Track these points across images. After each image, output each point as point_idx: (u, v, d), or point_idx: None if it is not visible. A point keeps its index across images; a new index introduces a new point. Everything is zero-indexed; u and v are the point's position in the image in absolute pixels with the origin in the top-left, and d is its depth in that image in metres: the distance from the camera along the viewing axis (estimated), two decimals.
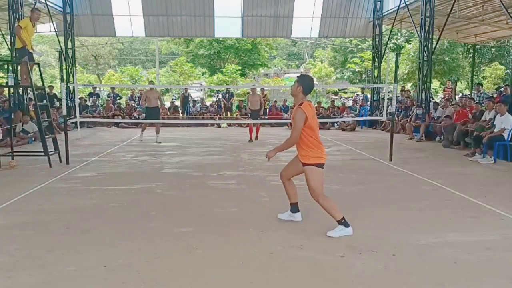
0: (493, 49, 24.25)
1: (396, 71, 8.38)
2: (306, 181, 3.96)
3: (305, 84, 3.87)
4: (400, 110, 14.02)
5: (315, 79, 29.49)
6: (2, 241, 3.64)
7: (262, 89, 19.29)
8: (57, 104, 14.29)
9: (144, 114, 12.41)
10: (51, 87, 16.31)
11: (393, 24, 16.12)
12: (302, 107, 3.76)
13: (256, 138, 11.25)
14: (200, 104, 17.89)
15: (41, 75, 8.26)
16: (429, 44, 12.89)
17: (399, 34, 26.08)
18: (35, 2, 12.83)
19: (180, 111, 17.07)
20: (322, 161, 3.92)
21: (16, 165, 7.04)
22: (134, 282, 2.88)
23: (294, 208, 4.30)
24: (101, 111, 16.35)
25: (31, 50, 7.76)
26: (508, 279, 2.96)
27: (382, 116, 12.61)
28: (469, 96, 15.60)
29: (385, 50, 16.92)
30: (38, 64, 8.26)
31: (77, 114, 10.72)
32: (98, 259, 3.24)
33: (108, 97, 17.60)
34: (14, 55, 8.47)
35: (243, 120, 15.87)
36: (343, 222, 3.85)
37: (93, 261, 3.20)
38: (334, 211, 3.86)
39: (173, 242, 3.64)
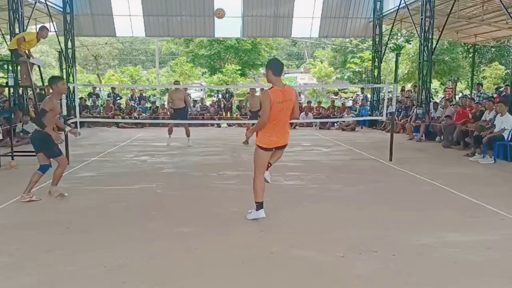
0: (493, 49, 24.23)
1: (396, 71, 8.40)
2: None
3: (271, 65, 4.04)
4: (400, 110, 14.03)
5: (315, 79, 29.57)
6: (2, 241, 3.64)
7: (262, 89, 19.29)
8: None
9: (144, 115, 12.33)
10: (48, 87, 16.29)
11: (393, 24, 16.11)
12: (269, 91, 3.99)
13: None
14: (200, 104, 17.89)
15: (41, 75, 8.28)
16: (429, 44, 12.89)
17: (399, 34, 26.08)
18: (35, 2, 12.84)
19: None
20: (265, 146, 4.10)
21: (16, 165, 7.03)
22: (134, 282, 2.88)
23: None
24: (101, 111, 16.35)
25: (30, 56, 7.76)
26: (508, 279, 2.96)
27: (382, 116, 12.62)
28: (469, 96, 15.59)
29: (385, 50, 16.91)
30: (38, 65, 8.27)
31: (77, 114, 10.72)
32: (98, 259, 3.24)
33: (108, 97, 17.60)
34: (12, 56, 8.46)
35: (243, 120, 15.89)
36: (258, 205, 4.18)
37: (93, 261, 3.20)
38: (255, 192, 4.18)
39: (173, 242, 3.64)
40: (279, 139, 4.12)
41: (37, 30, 7.80)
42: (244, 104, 10.38)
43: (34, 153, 7.56)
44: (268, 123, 4.00)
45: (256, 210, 4.20)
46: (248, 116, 10.89)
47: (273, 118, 3.98)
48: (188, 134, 10.21)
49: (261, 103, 4.05)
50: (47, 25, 16.13)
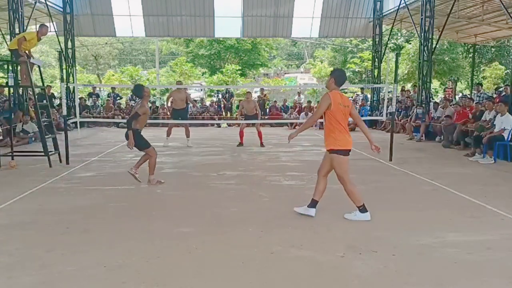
0: (493, 49, 24.24)
1: (396, 71, 8.40)
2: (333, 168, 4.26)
3: (336, 75, 4.26)
4: (400, 110, 14.02)
5: (315, 79, 29.57)
6: (2, 241, 3.64)
7: (262, 89, 19.29)
8: (56, 102, 14.28)
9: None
10: (48, 87, 16.31)
11: (393, 24, 16.12)
12: (329, 93, 4.17)
13: (261, 144, 10.06)
14: (200, 104, 17.89)
15: (41, 75, 8.26)
16: (429, 44, 12.89)
17: (399, 34, 26.07)
18: (35, 2, 12.84)
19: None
20: (345, 147, 4.16)
21: (16, 165, 7.03)
22: (134, 282, 2.88)
23: (313, 204, 4.41)
24: (101, 111, 16.35)
25: (30, 56, 7.74)
26: (508, 279, 2.96)
27: (382, 116, 12.61)
28: (468, 96, 15.60)
29: (385, 50, 16.92)
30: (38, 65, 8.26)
31: (77, 114, 10.73)
32: (98, 259, 3.24)
33: (108, 97, 17.61)
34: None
35: (243, 120, 15.88)
36: (361, 208, 4.26)
37: (93, 261, 3.20)
38: (354, 198, 4.28)
39: (173, 242, 3.64)
40: (351, 141, 4.22)
41: (37, 29, 7.79)
42: (240, 107, 10.09)
43: (34, 153, 7.59)
44: (337, 126, 4.14)
45: (361, 212, 4.27)
46: (243, 118, 10.34)
47: (340, 119, 4.14)
48: (188, 135, 10.20)
49: (319, 104, 4.25)
50: (46, 24, 16.20)
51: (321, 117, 4.28)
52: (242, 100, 18.56)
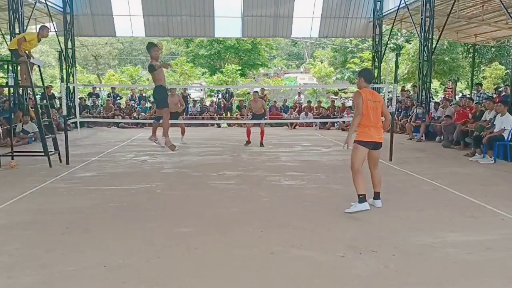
0: (493, 49, 24.24)
1: (396, 71, 8.39)
2: None
3: (363, 74, 4.72)
4: (400, 110, 14.03)
5: (315, 79, 29.58)
6: (2, 241, 3.64)
7: (262, 89, 19.29)
8: (56, 102, 14.27)
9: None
10: (49, 87, 16.32)
11: (393, 24, 16.12)
12: (360, 91, 4.56)
13: (261, 144, 10.11)
14: (200, 104, 17.89)
15: (41, 75, 8.26)
16: (429, 44, 12.90)
17: (399, 34, 26.08)
18: (35, 2, 12.84)
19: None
20: (367, 139, 4.50)
21: (16, 165, 7.03)
22: (134, 282, 2.88)
23: (375, 195, 4.78)
24: (101, 111, 16.36)
25: (30, 56, 7.72)
26: (508, 279, 2.96)
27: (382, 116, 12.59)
28: (468, 96, 15.61)
29: (385, 50, 16.92)
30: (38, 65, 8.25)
31: (77, 114, 10.73)
32: (98, 259, 3.24)
33: (108, 97, 17.61)
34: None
35: (243, 120, 15.89)
36: (360, 198, 4.46)
37: (93, 261, 3.20)
38: (357, 186, 4.50)
39: (173, 242, 3.64)
40: (376, 134, 4.53)
41: (38, 30, 7.77)
42: (248, 107, 9.89)
43: (34, 153, 7.60)
44: (364, 119, 4.48)
45: (359, 202, 4.49)
46: (250, 116, 10.40)
47: (368, 114, 4.48)
48: (183, 133, 10.52)
49: (353, 103, 4.64)
50: (47, 25, 16.22)
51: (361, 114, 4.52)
52: (241, 100, 18.72)
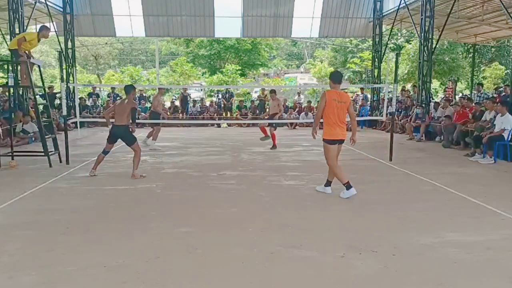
0: (493, 49, 24.23)
1: (396, 71, 8.40)
2: None
3: (331, 76, 5.22)
4: (400, 110, 14.03)
5: (315, 79, 29.58)
6: (2, 241, 3.64)
7: (262, 89, 19.30)
8: (57, 101, 14.26)
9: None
10: (51, 87, 16.33)
11: (393, 24, 16.12)
12: (326, 91, 5.05)
13: (274, 146, 9.70)
14: (200, 104, 17.89)
15: (41, 75, 8.26)
16: (429, 44, 12.89)
17: (399, 34, 26.07)
18: (35, 2, 12.84)
19: (180, 111, 17.08)
20: (332, 137, 5.02)
21: (16, 165, 7.04)
22: (134, 282, 2.88)
23: (328, 183, 5.36)
24: (101, 111, 16.35)
25: (30, 56, 7.71)
26: (508, 279, 2.96)
27: (382, 116, 12.61)
28: (467, 96, 15.60)
29: (385, 50, 16.92)
30: (38, 65, 8.25)
31: (77, 114, 10.73)
32: (98, 259, 3.24)
33: (108, 97, 17.60)
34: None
35: (243, 120, 15.89)
36: (347, 185, 5.02)
37: (93, 261, 3.20)
38: (340, 177, 5.06)
39: (173, 242, 3.64)
40: (341, 132, 5.03)
41: (38, 30, 7.75)
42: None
43: (34, 153, 7.59)
44: (329, 118, 4.96)
45: (347, 189, 5.04)
46: (266, 118, 10.26)
47: (333, 113, 4.95)
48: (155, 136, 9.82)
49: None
50: (47, 25, 16.23)
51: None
52: (241, 100, 18.66)
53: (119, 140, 6.52)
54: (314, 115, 15.94)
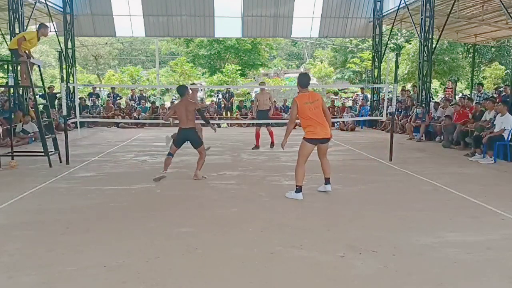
0: (493, 49, 24.24)
1: (396, 71, 8.40)
2: None
3: (298, 79, 5.20)
4: (400, 110, 14.02)
5: (315, 79, 29.60)
6: (2, 241, 3.64)
7: (262, 89, 19.27)
8: (57, 102, 14.26)
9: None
10: (51, 87, 16.32)
11: (393, 24, 16.12)
12: (296, 98, 5.09)
13: (272, 144, 9.68)
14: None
15: (41, 75, 8.26)
16: (429, 44, 12.89)
17: (399, 34, 26.07)
18: (35, 2, 12.84)
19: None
20: (312, 136, 5.02)
21: (16, 165, 7.04)
22: (134, 282, 2.88)
23: (326, 181, 5.41)
24: (101, 111, 16.36)
25: (30, 56, 7.70)
26: (508, 279, 2.96)
27: (382, 116, 12.61)
28: (467, 96, 15.60)
29: (385, 50, 16.91)
30: (38, 65, 8.25)
31: (77, 114, 10.73)
32: (98, 259, 3.24)
33: (108, 97, 17.61)
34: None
35: (243, 120, 15.88)
36: (297, 188, 5.07)
37: (93, 261, 3.20)
38: (297, 178, 5.08)
39: (173, 242, 3.64)
40: (322, 131, 5.01)
41: (37, 29, 7.74)
42: (255, 101, 9.03)
43: (34, 153, 7.59)
44: (307, 122, 5.00)
45: (296, 192, 5.08)
46: (255, 116, 9.60)
47: (308, 116, 4.98)
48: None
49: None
50: (47, 24, 16.23)
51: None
52: (241, 100, 18.64)
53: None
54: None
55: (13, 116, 8.93)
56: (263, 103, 9.60)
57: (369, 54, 20.42)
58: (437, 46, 13.98)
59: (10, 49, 8.03)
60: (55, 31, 15.16)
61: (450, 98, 15.35)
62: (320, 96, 5.19)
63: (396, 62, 8.76)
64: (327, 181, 5.40)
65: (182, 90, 6.29)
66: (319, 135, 5.01)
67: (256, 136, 9.63)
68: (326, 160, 5.35)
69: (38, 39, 7.64)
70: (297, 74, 5.93)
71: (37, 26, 7.90)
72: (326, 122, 5.07)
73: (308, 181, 6.13)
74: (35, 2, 12.82)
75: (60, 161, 7.46)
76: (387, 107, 12.79)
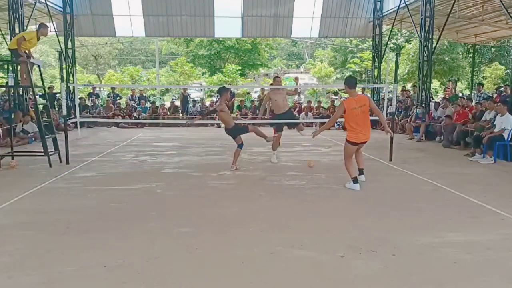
0: (493, 49, 24.24)
1: (396, 71, 8.39)
2: None
3: (346, 81, 5.53)
4: (400, 110, 14.02)
5: (315, 79, 29.60)
6: (2, 241, 3.63)
7: (262, 89, 19.29)
8: (57, 103, 14.27)
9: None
10: (51, 87, 16.32)
11: (393, 24, 16.12)
12: (344, 102, 5.47)
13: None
14: (200, 104, 17.88)
15: (41, 75, 8.26)
16: (429, 44, 12.89)
17: (399, 34, 26.07)
18: (35, 2, 12.84)
19: (180, 111, 17.08)
20: (354, 140, 5.49)
21: (16, 165, 7.03)
22: (134, 282, 2.88)
23: (360, 171, 5.91)
24: (101, 111, 16.36)
25: (30, 56, 7.70)
26: (508, 279, 2.96)
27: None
28: (467, 96, 15.60)
29: (385, 50, 16.92)
30: (38, 65, 8.25)
31: (77, 114, 10.73)
32: (98, 259, 3.24)
33: (108, 97, 17.61)
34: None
35: (243, 120, 15.86)
36: (353, 180, 5.51)
37: (93, 261, 3.20)
38: (349, 172, 5.54)
39: (173, 242, 3.64)
40: (364, 136, 5.47)
41: (36, 29, 7.73)
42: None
43: (34, 153, 7.59)
44: (352, 125, 5.40)
45: (353, 183, 5.52)
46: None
47: (355, 121, 5.37)
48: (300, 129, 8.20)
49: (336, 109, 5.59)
50: (47, 24, 16.23)
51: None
52: (242, 100, 18.64)
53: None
54: (314, 115, 16.03)
55: (13, 116, 8.93)
56: (281, 105, 7.59)
57: (369, 54, 20.42)
58: (437, 46, 13.98)
59: (10, 49, 8.03)
60: (55, 31, 15.17)
61: (449, 98, 15.34)
62: (367, 98, 5.58)
63: (396, 62, 8.76)
64: (360, 172, 5.88)
65: (221, 91, 7.04)
66: (360, 139, 5.47)
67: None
68: (360, 153, 5.89)
69: (38, 39, 7.62)
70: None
71: (37, 26, 7.89)
72: (369, 127, 5.52)
73: (308, 181, 6.14)
74: (35, 2, 12.83)
75: (60, 161, 7.45)
76: (387, 107, 12.79)
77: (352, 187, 5.52)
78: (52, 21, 14.61)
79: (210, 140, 11.64)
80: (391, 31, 16.80)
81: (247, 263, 3.20)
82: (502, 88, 13.30)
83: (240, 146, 6.93)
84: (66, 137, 7.42)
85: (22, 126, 10.28)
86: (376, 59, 16.87)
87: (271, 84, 8.30)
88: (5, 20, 13.12)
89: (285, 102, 7.74)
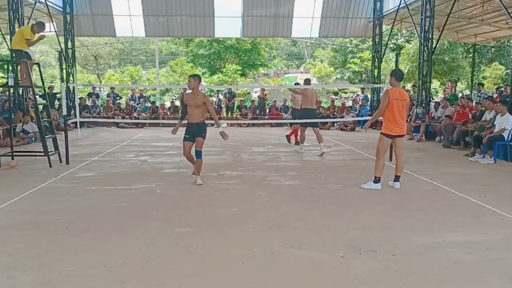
0: (493, 49, 24.24)
1: None
2: None
3: (394, 73, 5.55)
4: None
5: (314, 79, 29.64)
6: (2, 241, 3.63)
7: (262, 89, 19.30)
8: (57, 103, 14.27)
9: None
10: (51, 87, 16.32)
11: (393, 24, 16.12)
12: (389, 90, 5.42)
13: (296, 142, 9.47)
14: None
15: (41, 75, 8.25)
16: (429, 44, 12.89)
17: (399, 34, 26.07)
18: (35, 2, 12.84)
19: (180, 111, 17.07)
20: (389, 133, 5.47)
21: (16, 165, 7.03)
22: (134, 282, 2.88)
23: (396, 178, 5.69)
24: (101, 111, 16.36)
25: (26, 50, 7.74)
26: (508, 279, 2.96)
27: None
28: (467, 96, 15.60)
29: (385, 50, 16.92)
30: (38, 64, 8.25)
31: (77, 114, 10.73)
32: (98, 259, 3.24)
33: (108, 97, 17.61)
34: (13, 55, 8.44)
35: (243, 120, 15.88)
36: (376, 179, 5.50)
37: (93, 261, 3.20)
38: (376, 169, 5.51)
39: (173, 242, 3.64)
40: (400, 128, 5.44)
41: (32, 25, 7.80)
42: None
43: (34, 153, 7.59)
44: (390, 115, 5.36)
45: (374, 182, 5.52)
46: (291, 115, 8.97)
47: (393, 112, 5.33)
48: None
49: (381, 99, 5.59)
50: (47, 25, 16.23)
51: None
52: (242, 100, 18.63)
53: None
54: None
55: (13, 116, 8.93)
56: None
57: (369, 54, 20.41)
58: (437, 46, 13.97)
59: (14, 50, 8.02)
60: (55, 31, 15.17)
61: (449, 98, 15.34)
62: (408, 96, 5.65)
63: (396, 62, 8.77)
64: (396, 178, 5.66)
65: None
66: (395, 132, 5.44)
67: (294, 133, 9.48)
68: (401, 158, 5.65)
69: (34, 32, 7.72)
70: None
71: (36, 24, 7.94)
72: (405, 122, 5.53)
73: (308, 181, 6.14)
74: (35, 2, 12.82)
75: (60, 161, 7.45)
76: None
77: (373, 187, 5.48)
78: (52, 21, 14.61)
79: (210, 140, 11.62)
80: (391, 31, 16.80)
81: (247, 263, 3.20)
82: (502, 88, 13.30)
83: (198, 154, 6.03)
84: (66, 137, 7.43)
85: (22, 126, 10.28)
86: (376, 59, 16.86)
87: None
88: (5, 20, 13.12)
89: (313, 99, 8.80)
